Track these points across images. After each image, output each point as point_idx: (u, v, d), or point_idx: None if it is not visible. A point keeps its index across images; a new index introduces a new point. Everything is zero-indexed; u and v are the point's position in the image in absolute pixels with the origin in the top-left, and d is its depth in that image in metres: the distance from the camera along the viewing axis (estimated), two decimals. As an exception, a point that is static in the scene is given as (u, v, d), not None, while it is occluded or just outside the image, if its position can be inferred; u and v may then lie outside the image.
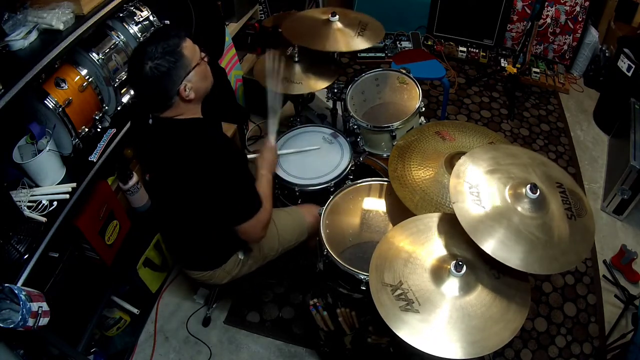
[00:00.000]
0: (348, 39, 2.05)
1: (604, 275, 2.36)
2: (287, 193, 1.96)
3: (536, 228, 1.25)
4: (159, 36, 1.33)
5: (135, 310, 2.10)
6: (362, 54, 3.56)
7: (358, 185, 1.84)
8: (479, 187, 1.32)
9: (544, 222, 1.26)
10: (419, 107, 1.95)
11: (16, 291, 1.23)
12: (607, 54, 3.30)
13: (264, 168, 1.66)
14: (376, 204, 1.83)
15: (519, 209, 1.27)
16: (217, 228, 1.58)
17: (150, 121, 1.43)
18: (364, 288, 1.52)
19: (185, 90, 1.33)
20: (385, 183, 1.83)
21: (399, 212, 1.62)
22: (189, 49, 1.34)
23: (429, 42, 3.68)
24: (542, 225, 1.26)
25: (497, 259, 1.20)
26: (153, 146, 1.48)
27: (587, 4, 3.25)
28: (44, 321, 1.29)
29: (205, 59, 1.42)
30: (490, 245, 1.21)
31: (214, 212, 1.48)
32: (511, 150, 1.47)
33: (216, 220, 1.52)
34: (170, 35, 1.33)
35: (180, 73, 1.32)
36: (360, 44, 2.04)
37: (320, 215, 1.70)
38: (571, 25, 3.37)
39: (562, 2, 3.29)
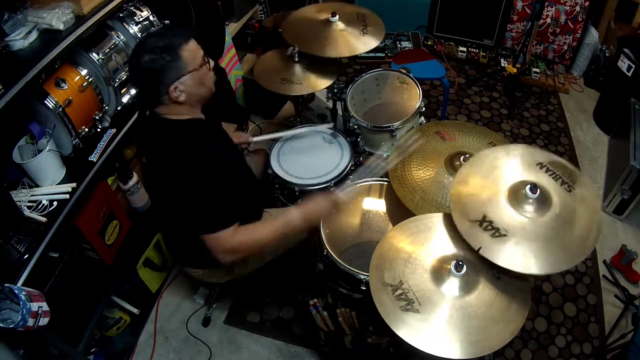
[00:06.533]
0: (352, 41, 2.05)
1: (604, 275, 2.36)
2: (287, 193, 1.95)
3: (554, 221, 1.26)
4: (165, 31, 1.35)
5: (135, 310, 2.10)
6: (362, 54, 3.55)
7: (358, 185, 1.84)
8: (487, 218, 1.29)
9: (555, 214, 1.27)
10: (419, 107, 1.95)
11: (16, 291, 1.23)
12: (607, 54, 3.29)
13: (301, 210, 1.48)
14: (376, 204, 1.83)
15: (530, 215, 1.27)
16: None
17: (147, 112, 1.43)
18: (364, 288, 1.52)
19: (174, 91, 1.32)
20: (385, 183, 1.83)
21: (399, 212, 1.62)
22: (190, 52, 1.33)
23: (429, 42, 3.68)
24: (556, 217, 1.27)
25: (551, 273, 1.18)
26: (147, 140, 1.49)
27: (587, 4, 3.25)
28: (44, 321, 1.29)
29: (208, 66, 1.40)
30: (537, 267, 1.20)
31: (185, 215, 1.43)
32: (484, 155, 1.45)
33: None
34: (175, 33, 1.33)
35: (172, 73, 1.31)
36: (365, 43, 2.04)
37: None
38: (571, 25, 3.37)
39: (562, 2, 3.29)
